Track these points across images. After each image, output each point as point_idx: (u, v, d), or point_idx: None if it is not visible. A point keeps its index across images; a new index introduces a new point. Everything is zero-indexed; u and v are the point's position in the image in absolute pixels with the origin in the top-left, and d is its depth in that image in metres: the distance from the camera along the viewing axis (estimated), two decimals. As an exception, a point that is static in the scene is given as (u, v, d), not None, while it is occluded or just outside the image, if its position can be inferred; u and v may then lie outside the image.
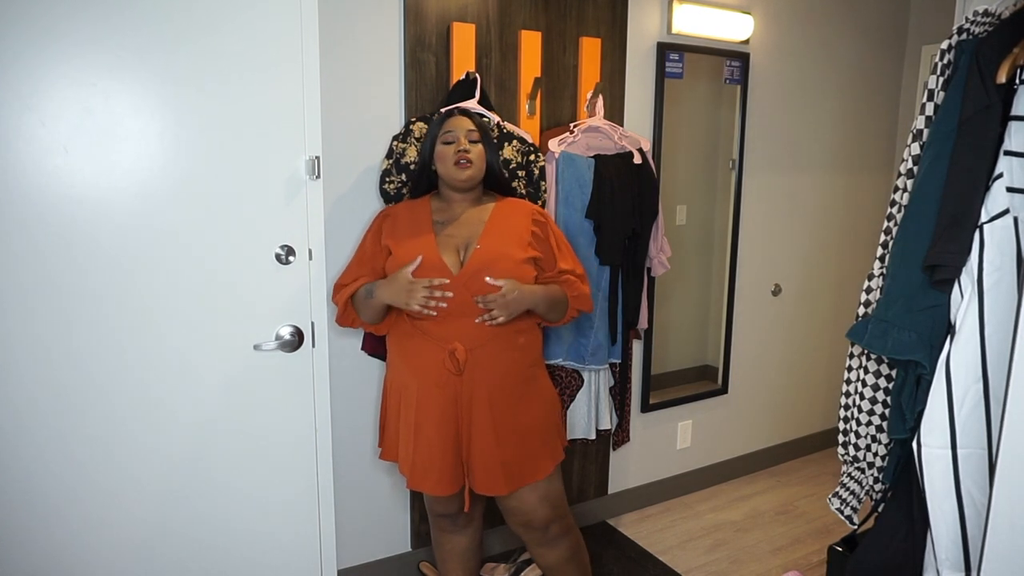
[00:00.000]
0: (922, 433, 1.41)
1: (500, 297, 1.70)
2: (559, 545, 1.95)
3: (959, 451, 1.37)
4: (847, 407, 1.70)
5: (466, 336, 1.74)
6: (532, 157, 2.16)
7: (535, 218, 1.87)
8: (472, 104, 2.07)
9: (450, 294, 1.71)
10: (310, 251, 1.82)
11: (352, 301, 1.85)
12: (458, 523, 2.02)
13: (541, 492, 1.87)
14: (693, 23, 2.67)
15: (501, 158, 2.09)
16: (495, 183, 1.92)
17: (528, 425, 1.83)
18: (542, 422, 1.88)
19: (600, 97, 2.41)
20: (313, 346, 1.85)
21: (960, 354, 1.36)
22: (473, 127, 1.84)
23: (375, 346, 2.15)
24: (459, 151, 1.79)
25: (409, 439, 1.81)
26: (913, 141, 1.51)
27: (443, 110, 1.95)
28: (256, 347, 1.76)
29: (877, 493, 1.69)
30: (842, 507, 1.72)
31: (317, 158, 1.77)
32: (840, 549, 1.76)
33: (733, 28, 2.77)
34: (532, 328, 1.87)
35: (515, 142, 2.12)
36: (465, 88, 2.11)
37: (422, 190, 1.93)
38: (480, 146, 1.83)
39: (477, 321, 1.73)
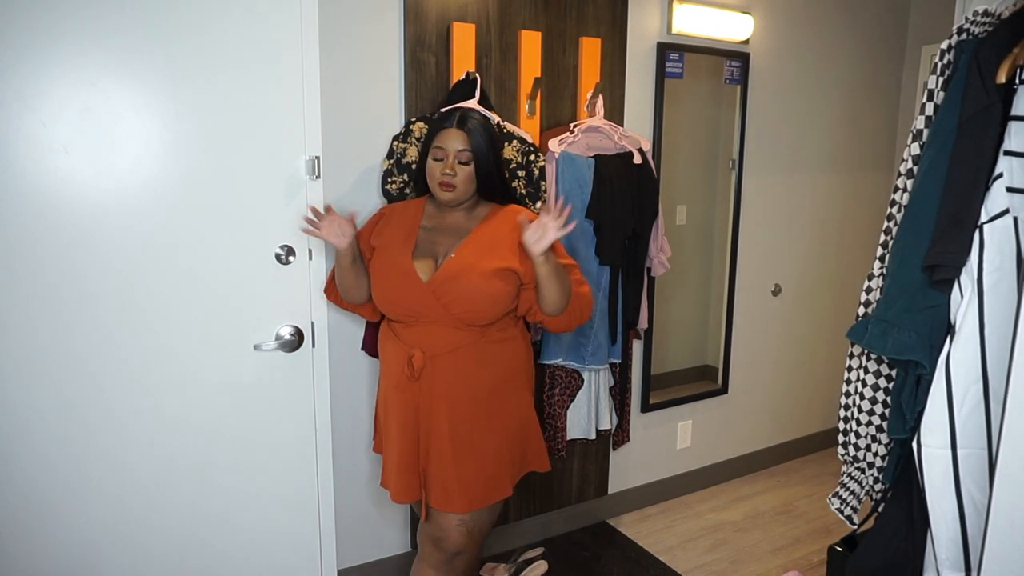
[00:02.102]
0: (922, 433, 1.41)
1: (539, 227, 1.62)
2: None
3: (959, 451, 1.37)
4: (847, 407, 1.70)
5: (429, 343, 1.71)
6: (532, 157, 2.16)
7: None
8: (472, 104, 2.06)
9: (345, 217, 1.73)
10: (310, 251, 1.82)
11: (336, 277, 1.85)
12: None
13: (466, 518, 1.76)
14: (693, 23, 2.67)
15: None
16: (491, 193, 1.83)
17: (492, 446, 1.76)
18: (508, 443, 1.80)
19: (600, 97, 2.41)
20: (313, 346, 1.85)
21: (960, 354, 1.36)
22: (465, 146, 1.74)
23: (375, 346, 2.15)
24: (444, 173, 1.73)
25: (383, 437, 1.84)
26: (913, 141, 1.51)
27: (443, 110, 1.91)
28: (256, 347, 1.76)
29: (877, 493, 1.69)
30: (842, 507, 1.72)
31: (317, 158, 1.77)
32: (840, 549, 1.76)
33: (733, 28, 2.77)
34: (510, 338, 1.80)
35: (515, 142, 2.12)
36: (465, 88, 2.11)
37: (420, 189, 1.91)
38: (469, 168, 1.74)
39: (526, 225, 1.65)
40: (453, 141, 1.75)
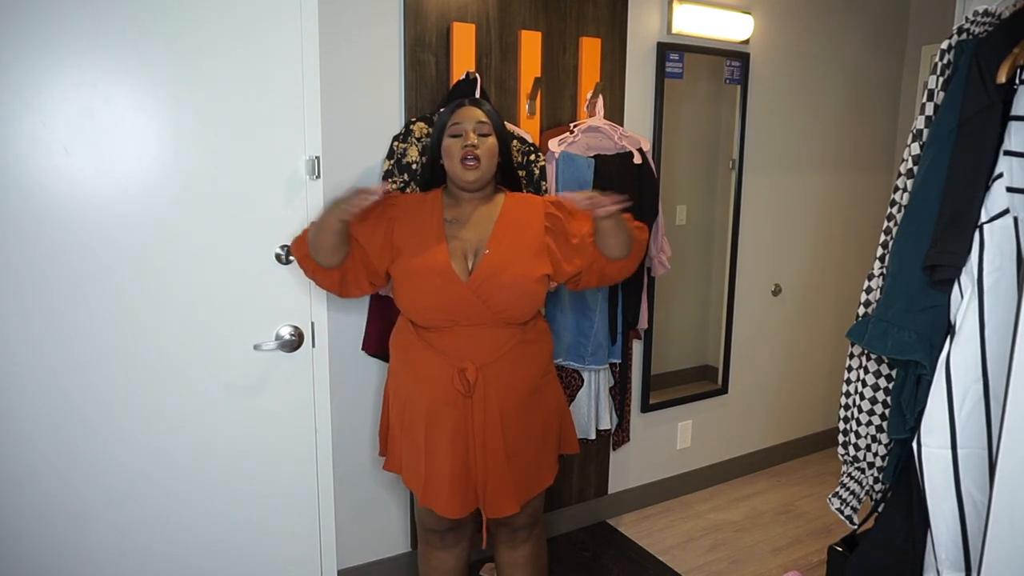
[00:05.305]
0: (922, 433, 1.41)
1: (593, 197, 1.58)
2: (523, 547, 1.92)
3: (959, 451, 1.38)
4: (847, 407, 1.70)
5: (476, 350, 1.67)
6: (532, 157, 2.16)
7: (547, 211, 1.75)
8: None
9: (375, 196, 1.56)
10: (310, 251, 1.81)
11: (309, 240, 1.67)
12: (447, 540, 1.91)
13: (526, 507, 1.83)
14: (693, 23, 2.67)
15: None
16: (508, 176, 1.82)
17: (537, 437, 1.79)
18: (549, 432, 1.83)
19: (600, 97, 2.41)
20: (313, 346, 1.85)
21: (960, 354, 1.36)
22: (484, 118, 1.71)
23: (376, 347, 2.14)
24: (466, 147, 1.67)
25: (419, 455, 1.75)
26: (913, 141, 1.51)
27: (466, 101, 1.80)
28: (256, 347, 1.76)
29: (877, 493, 1.69)
30: (842, 507, 1.72)
31: (317, 158, 1.77)
32: (840, 549, 1.76)
33: (733, 28, 2.77)
34: (542, 330, 1.80)
35: (515, 142, 2.12)
36: (465, 88, 2.11)
37: (434, 185, 1.83)
38: (491, 139, 1.71)
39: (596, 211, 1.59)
40: (470, 115, 1.71)
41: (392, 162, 2.06)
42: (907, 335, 1.43)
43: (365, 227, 1.72)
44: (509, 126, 2.13)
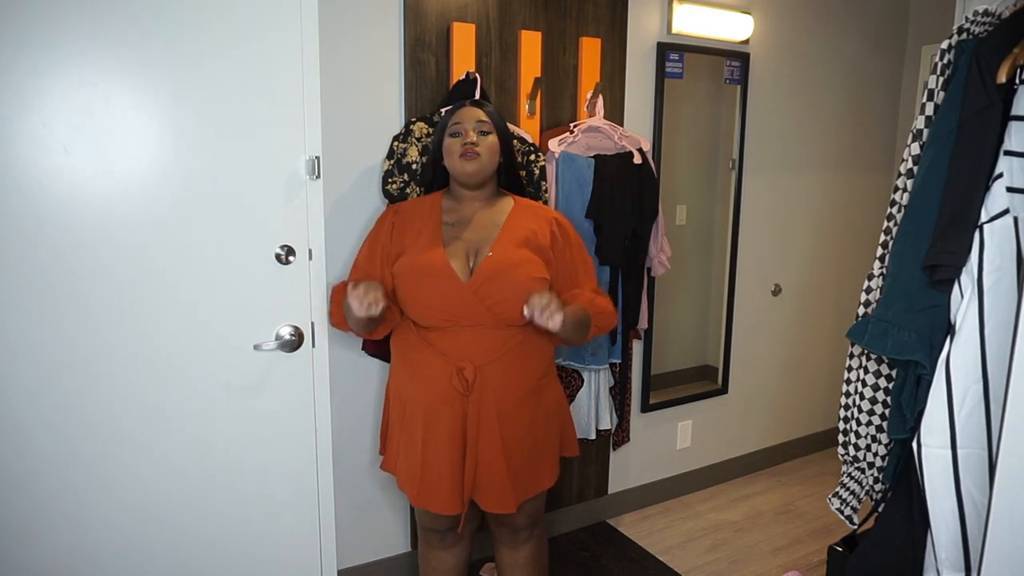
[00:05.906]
0: (922, 433, 1.41)
1: (544, 299, 1.53)
2: (524, 548, 1.92)
3: (959, 451, 1.38)
4: (847, 407, 1.70)
5: (475, 350, 1.67)
6: (532, 157, 2.16)
7: (553, 229, 1.77)
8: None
9: (379, 299, 1.58)
10: (310, 251, 1.81)
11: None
12: (447, 540, 1.92)
13: (525, 506, 1.84)
14: (693, 23, 2.67)
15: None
16: (511, 178, 1.83)
17: (536, 437, 1.78)
18: (548, 432, 1.82)
19: (600, 97, 2.41)
20: (313, 346, 1.85)
21: (960, 354, 1.36)
22: (484, 117, 1.74)
23: (376, 347, 2.14)
24: (465, 143, 1.70)
25: (415, 455, 1.75)
26: (913, 141, 1.51)
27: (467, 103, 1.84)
28: (256, 347, 1.76)
29: (877, 493, 1.69)
30: (842, 507, 1.72)
31: (317, 158, 1.77)
32: (840, 549, 1.76)
33: (733, 28, 2.77)
34: (543, 336, 1.76)
35: (515, 142, 2.12)
36: (465, 88, 2.11)
37: (436, 187, 1.86)
38: (491, 138, 1.73)
39: (525, 312, 1.56)
40: (470, 115, 1.74)
41: (392, 162, 2.06)
42: (907, 335, 1.43)
43: (383, 257, 1.77)
44: (509, 126, 2.13)
